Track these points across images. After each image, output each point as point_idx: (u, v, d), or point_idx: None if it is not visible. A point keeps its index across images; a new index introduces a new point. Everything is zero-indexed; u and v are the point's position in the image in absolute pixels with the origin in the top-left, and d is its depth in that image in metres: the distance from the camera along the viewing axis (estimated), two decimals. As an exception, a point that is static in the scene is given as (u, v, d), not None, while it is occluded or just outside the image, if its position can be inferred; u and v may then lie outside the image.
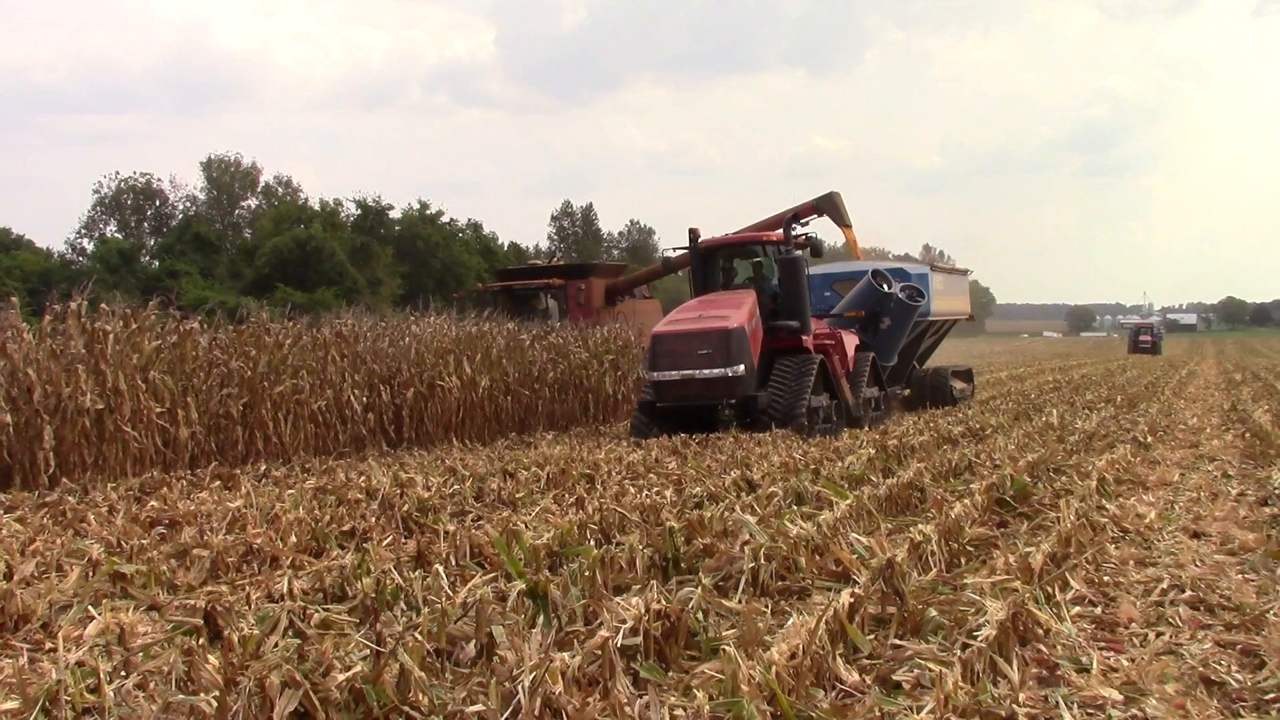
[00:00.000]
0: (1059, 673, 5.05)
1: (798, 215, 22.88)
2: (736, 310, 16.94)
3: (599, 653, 4.61)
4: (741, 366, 16.24)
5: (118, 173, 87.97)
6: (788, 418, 16.10)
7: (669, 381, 16.60)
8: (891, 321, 20.75)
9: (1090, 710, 4.64)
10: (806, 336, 17.85)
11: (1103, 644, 5.52)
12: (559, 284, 27.12)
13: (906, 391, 23.41)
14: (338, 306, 23.63)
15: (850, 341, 19.43)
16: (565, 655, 4.48)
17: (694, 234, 18.73)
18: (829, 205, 24.69)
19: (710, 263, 18.98)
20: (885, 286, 20.90)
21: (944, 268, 26.08)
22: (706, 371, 16.34)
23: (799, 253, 18.10)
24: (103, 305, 13.59)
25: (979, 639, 4.97)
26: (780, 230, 18.36)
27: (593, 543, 7.60)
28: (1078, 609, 6.10)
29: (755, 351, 16.86)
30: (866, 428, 17.49)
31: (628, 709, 4.24)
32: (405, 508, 9.00)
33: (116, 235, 74.66)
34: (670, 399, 16.76)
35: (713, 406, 16.38)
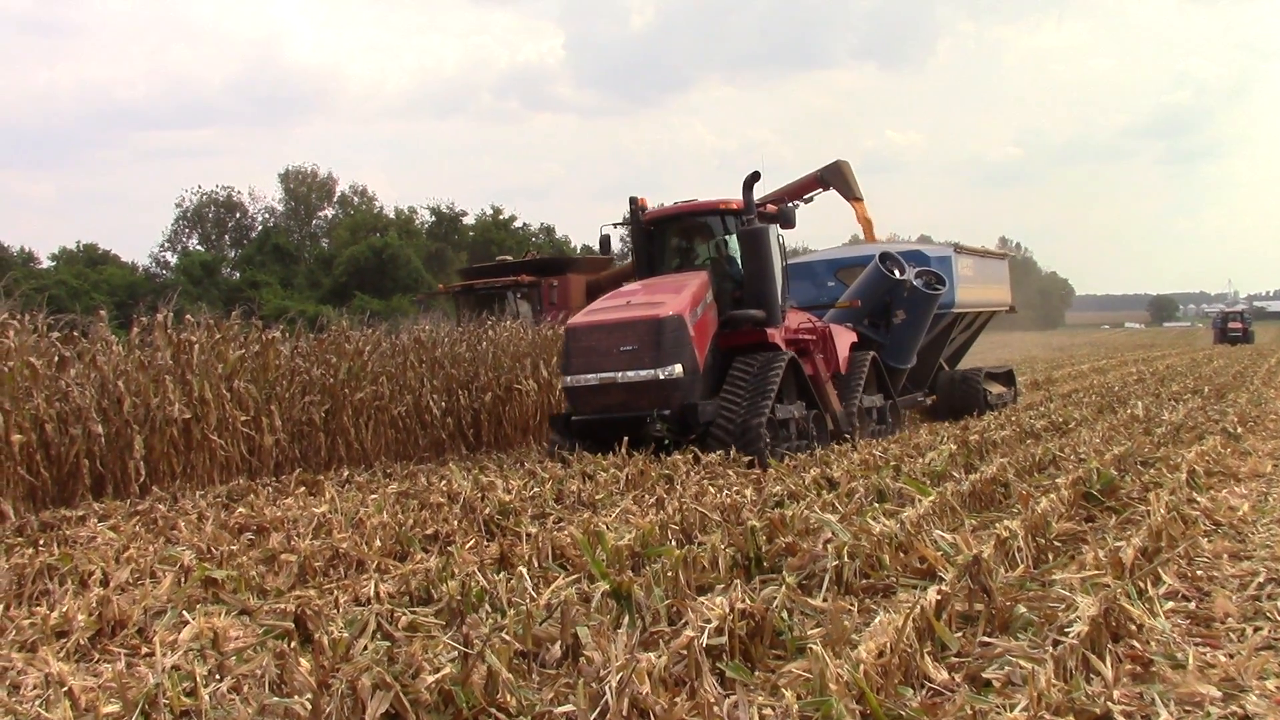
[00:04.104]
0: (1154, 669, 4.95)
1: (800, 190, 20.98)
2: (675, 295, 13.47)
3: (685, 652, 4.61)
4: (677, 367, 12.91)
5: (199, 186, 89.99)
6: (742, 434, 12.71)
7: (585, 388, 13.32)
8: (906, 314, 17.64)
9: (1188, 707, 4.55)
10: (774, 329, 14.26)
11: (1199, 639, 5.40)
12: (529, 281, 24.17)
13: (931, 399, 20.00)
14: (414, 313, 23.72)
15: (844, 338, 16.14)
16: (651, 655, 4.48)
17: (636, 204, 15.22)
18: (835, 176, 21.62)
19: (659, 240, 15.38)
20: (897, 272, 17.67)
21: (974, 250, 21.49)
22: (631, 374, 13.00)
23: (766, 225, 14.61)
24: (188, 317, 13.89)
25: (1070, 635, 4.89)
26: (740, 197, 14.59)
27: (674, 543, 7.61)
28: (1171, 604, 5.98)
29: (702, 348, 13.48)
30: (859, 442, 14.15)
31: (716, 709, 4.23)
32: (487, 511, 9.07)
33: (198, 248, 76.30)
34: (588, 410, 13.44)
35: (641, 420, 12.92)
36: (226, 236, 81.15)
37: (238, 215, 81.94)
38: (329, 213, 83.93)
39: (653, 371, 12.91)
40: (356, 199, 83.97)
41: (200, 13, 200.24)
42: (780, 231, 14.97)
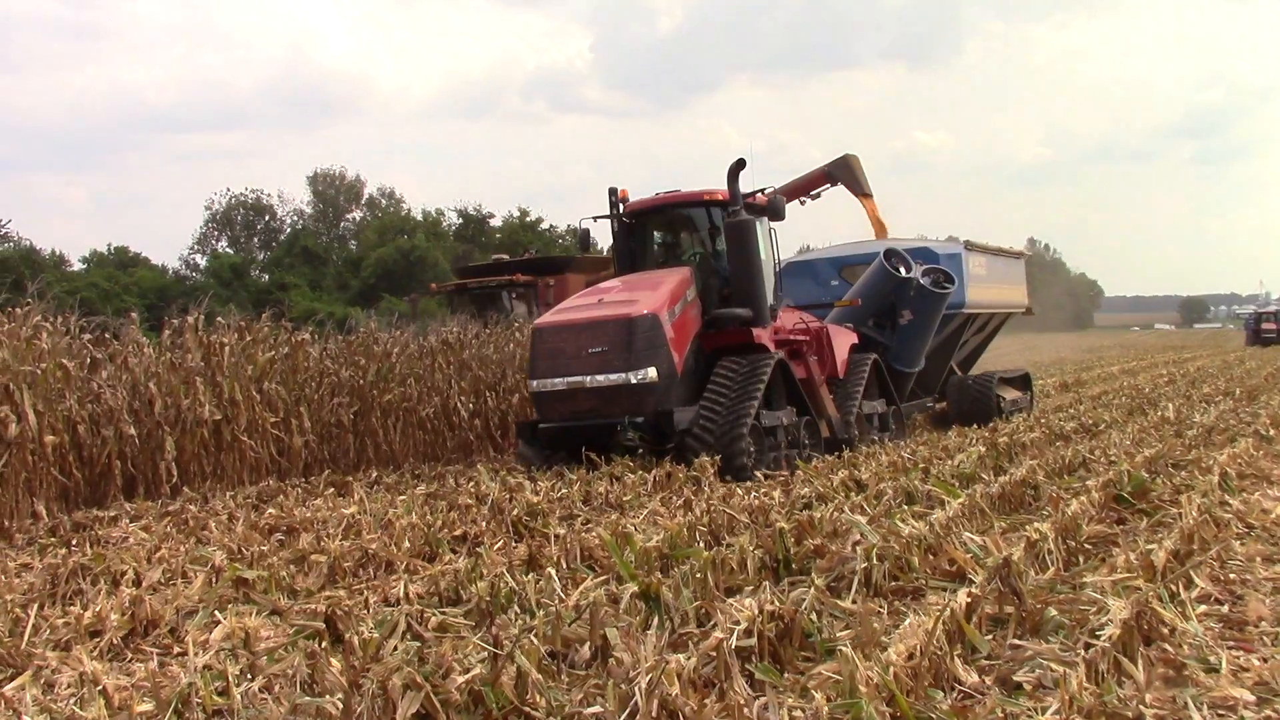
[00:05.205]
0: (1186, 673, 4.91)
1: (806, 186, 20.46)
2: (651, 292, 12.61)
3: (714, 654, 4.61)
4: (651, 370, 12.04)
5: (228, 189, 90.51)
6: (722, 443, 11.72)
7: (551, 393, 12.43)
8: (913, 315, 16.76)
9: (1221, 711, 4.51)
10: (761, 329, 13.28)
11: (1232, 643, 5.36)
12: (525, 281, 23.05)
13: (940, 405, 19.18)
14: (442, 315, 23.64)
15: (843, 339, 15.27)
16: (680, 657, 4.48)
17: (616, 195, 14.13)
18: (843, 171, 20.74)
19: (640, 234, 14.43)
20: (903, 270, 16.74)
21: (986, 247, 20.04)
22: (601, 378, 12.09)
23: (754, 217, 13.45)
24: (218, 319, 14.00)
25: (1102, 638, 4.85)
26: (725, 187, 13.45)
27: (703, 544, 7.60)
28: (1204, 607, 5.93)
29: (680, 349, 12.58)
30: (864, 447, 13.59)
31: (745, 710, 4.23)
32: (515, 512, 9.08)
33: (227, 250, 76.70)
34: (555, 417, 12.51)
35: (613, 428, 12.06)
36: (255, 239, 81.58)
37: (266, 218, 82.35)
38: (357, 215, 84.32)
39: (624, 375, 12.03)
40: (384, 201, 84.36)
41: (230, 17, 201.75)
42: (772, 225, 14.14)
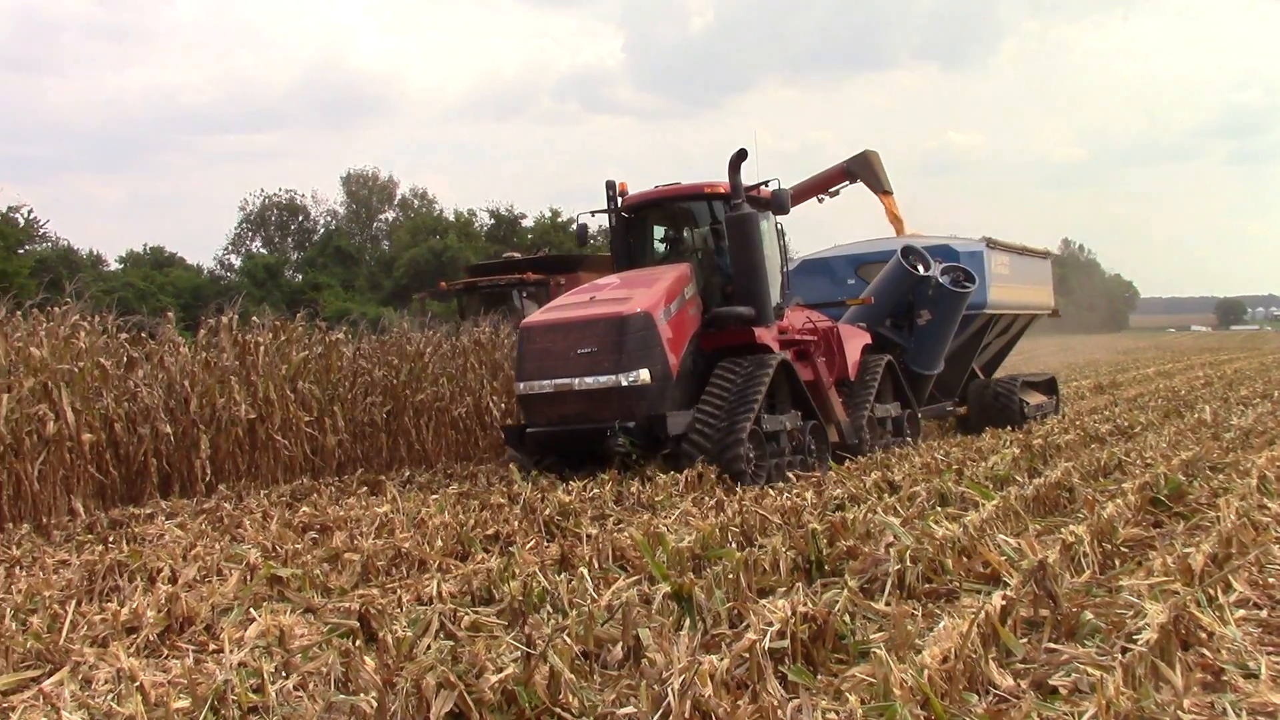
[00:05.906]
0: (1225, 678, 4.86)
1: (825, 183, 20.18)
2: (646, 289, 12.01)
3: (746, 655, 4.59)
4: (643, 372, 11.41)
5: (262, 190, 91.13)
6: (719, 449, 11.13)
7: (538, 396, 11.83)
8: (932, 315, 16.18)
9: (1260, 717, 4.46)
10: (764, 328, 12.65)
11: (1271, 648, 5.30)
12: (535, 280, 22.14)
13: (961, 409, 18.39)
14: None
15: (855, 340, 14.73)
16: (713, 658, 4.47)
17: (614, 188, 13.46)
18: (862, 167, 20.25)
19: (639, 229, 13.80)
20: (921, 268, 16.25)
21: (1009, 246, 19.21)
22: (590, 380, 11.48)
23: (756, 212, 12.84)
24: (253, 319, 14.11)
25: (1139, 643, 4.80)
26: (726, 181, 12.95)
27: (735, 545, 7.59)
28: (1242, 612, 5.86)
29: (677, 350, 11.95)
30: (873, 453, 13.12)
31: (779, 712, 4.21)
32: (547, 512, 9.10)
33: (262, 251, 77.19)
34: (542, 421, 11.98)
35: (602, 433, 11.47)
36: (289, 239, 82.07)
37: (300, 218, 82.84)
38: (390, 215, 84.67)
39: (614, 377, 11.40)
40: (417, 202, 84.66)
41: (265, 19, 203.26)
42: (777, 219, 13.56)
